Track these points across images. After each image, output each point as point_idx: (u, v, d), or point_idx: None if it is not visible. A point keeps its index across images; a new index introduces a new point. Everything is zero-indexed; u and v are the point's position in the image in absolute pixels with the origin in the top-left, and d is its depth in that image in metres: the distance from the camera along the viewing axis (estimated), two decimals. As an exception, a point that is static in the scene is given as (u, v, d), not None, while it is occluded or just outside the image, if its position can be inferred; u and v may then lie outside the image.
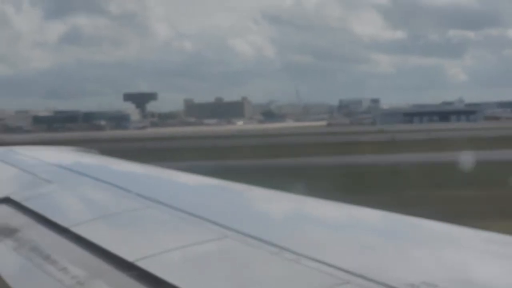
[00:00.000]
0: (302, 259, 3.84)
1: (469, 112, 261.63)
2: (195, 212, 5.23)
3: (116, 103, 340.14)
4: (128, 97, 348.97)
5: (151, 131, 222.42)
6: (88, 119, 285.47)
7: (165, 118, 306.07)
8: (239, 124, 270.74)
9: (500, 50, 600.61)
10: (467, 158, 50.95)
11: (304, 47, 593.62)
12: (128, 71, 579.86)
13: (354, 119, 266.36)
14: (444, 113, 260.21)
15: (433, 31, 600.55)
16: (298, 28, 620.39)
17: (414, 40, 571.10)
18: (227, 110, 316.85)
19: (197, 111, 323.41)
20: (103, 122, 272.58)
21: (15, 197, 7.09)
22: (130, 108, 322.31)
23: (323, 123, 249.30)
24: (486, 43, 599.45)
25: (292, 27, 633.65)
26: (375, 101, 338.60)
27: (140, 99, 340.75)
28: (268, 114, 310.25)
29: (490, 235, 4.18)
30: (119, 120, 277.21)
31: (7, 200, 7.11)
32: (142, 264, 4.21)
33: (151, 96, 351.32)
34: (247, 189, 6.37)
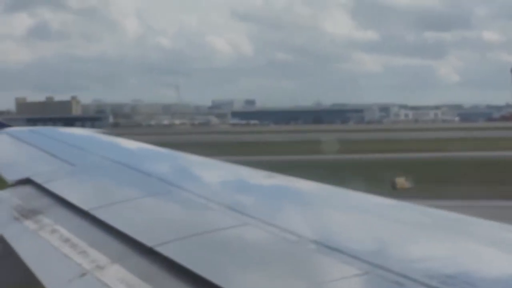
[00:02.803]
0: (321, 248, 3.83)
1: (96, 118, 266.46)
2: (215, 199, 5.23)
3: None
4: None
5: None
6: None
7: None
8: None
9: (475, 52, 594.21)
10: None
11: (279, 45, 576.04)
12: (107, 66, 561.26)
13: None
14: (71, 120, 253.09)
15: (406, 32, 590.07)
16: (270, 27, 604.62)
17: (388, 40, 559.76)
18: (56, 109, 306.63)
19: (28, 109, 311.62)
20: None
21: (36, 178, 7.11)
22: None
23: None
24: (460, 44, 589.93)
25: (264, 26, 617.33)
26: (250, 102, 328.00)
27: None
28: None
29: (500, 225, 4.16)
30: None
31: (27, 181, 7.14)
32: (161, 249, 4.22)
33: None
34: (269, 177, 6.32)
